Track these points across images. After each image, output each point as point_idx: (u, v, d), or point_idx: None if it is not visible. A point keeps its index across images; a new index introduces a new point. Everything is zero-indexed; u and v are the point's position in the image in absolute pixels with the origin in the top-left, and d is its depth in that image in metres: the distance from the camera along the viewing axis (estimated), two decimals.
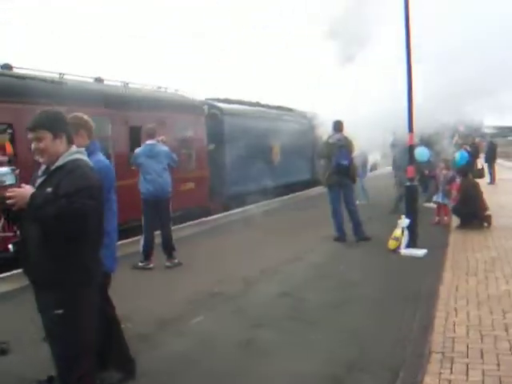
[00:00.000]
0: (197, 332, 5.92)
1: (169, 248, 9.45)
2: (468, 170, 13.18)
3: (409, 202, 10.44)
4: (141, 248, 9.34)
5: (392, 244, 10.11)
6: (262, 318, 6.40)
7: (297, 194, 21.23)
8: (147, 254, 9.29)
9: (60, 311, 3.51)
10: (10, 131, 9.93)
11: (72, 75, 12.59)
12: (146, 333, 5.89)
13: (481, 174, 18.05)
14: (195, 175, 15.69)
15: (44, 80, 11.49)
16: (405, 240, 10.02)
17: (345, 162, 11.03)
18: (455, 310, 6.45)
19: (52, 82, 11.66)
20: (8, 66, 11.25)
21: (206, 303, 7.02)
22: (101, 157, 4.73)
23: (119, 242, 9.93)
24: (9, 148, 9.52)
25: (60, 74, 12.26)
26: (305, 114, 23.67)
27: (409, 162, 10.57)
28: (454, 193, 12.56)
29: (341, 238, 11.15)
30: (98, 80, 13.54)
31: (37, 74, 11.60)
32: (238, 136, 17.13)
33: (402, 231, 10.08)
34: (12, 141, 9.77)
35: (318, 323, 6.21)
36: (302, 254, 9.87)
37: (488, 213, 12.27)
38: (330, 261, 9.48)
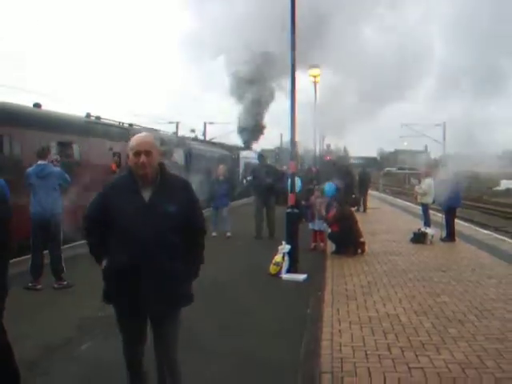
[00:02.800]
0: (88, 358, 5.69)
1: (57, 270, 9.20)
2: (344, 199, 13.70)
3: (289, 228, 10.70)
4: (29, 268, 9.06)
5: (273, 269, 10.28)
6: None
7: None
8: (35, 275, 9.01)
9: None
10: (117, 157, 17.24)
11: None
12: (33, 359, 5.61)
13: (355, 203, 18.85)
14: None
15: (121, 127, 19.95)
16: (285, 265, 10.23)
17: None
18: (340, 331, 6.66)
19: (123, 128, 19.90)
20: (99, 118, 18.29)
21: (95, 327, 6.77)
22: None
23: (17, 259, 9.70)
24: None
25: (119, 122, 20.42)
26: (233, 147, 39.87)
27: (290, 190, 10.87)
28: (330, 220, 12.99)
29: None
30: (131, 124, 21.33)
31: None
32: (198, 160, 27.21)
33: (283, 257, 10.29)
34: (119, 163, 16.89)
35: (211, 351, 6.13)
36: None
37: (362, 240, 12.82)
38: (213, 287, 9.44)
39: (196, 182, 23.68)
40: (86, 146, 15.76)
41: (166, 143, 22.47)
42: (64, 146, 14.72)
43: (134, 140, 4.04)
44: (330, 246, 13.24)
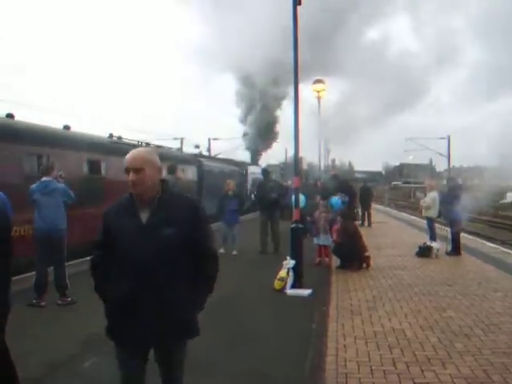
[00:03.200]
0: (90, 375, 5.68)
1: (61, 286, 9.21)
2: (348, 213, 13.69)
3: (293, 243, 10.69)
4: (33, 285, 9.05)
5: (278, 284, 10.24)
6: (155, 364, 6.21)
7: None
8: (39, 291, 9.01)
9: None
10: None
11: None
12: (37, 377, 5.60)
13: (354, 217, 18.82)
14: None
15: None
16: (290, 280, 10.20)
17: None
18: (345, 346, 6.63)
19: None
20: (120, 137, 19.82)
21: (99, 344, 6.72)
22: None
23: (21, 276, 9.74)
24: None
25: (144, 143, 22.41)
26: (241, 162, 41.50)
27: (294, 205, 10.87)
28: (334, 235, 12.97)
29: None
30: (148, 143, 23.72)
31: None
32: (209, 176, 29.58)
33: (288, 272, 10.26)
34: None
35: (213, 368, 6.11)
36: None
37: (367, 254, 12.78)
38: (217, 303, 9.40)
39: (209, 195, 25.55)
40: (111, 164, 17.54)
41: (176, 160, 24.47)
42: (93, 164, 16.56)
43: (126, 156, 3.69)
44: (335, 261, 13.19)
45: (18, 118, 14.04)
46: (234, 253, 15.23)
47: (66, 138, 15.65)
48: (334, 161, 42.57)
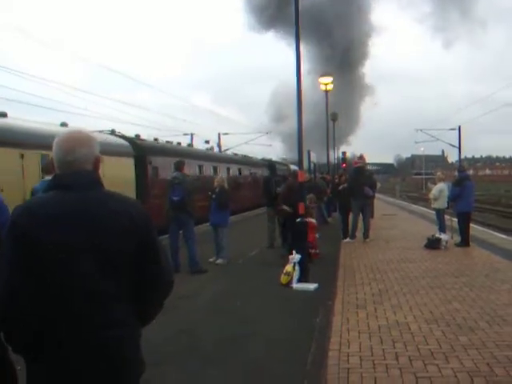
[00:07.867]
0: None
1: None
2: (287, 176, 13.73)
3: (299, 237, 10.64)
4: None
5: (284, 279, 10.21)
6: (160, 355, 6.22)
7: None
8: None
9: None
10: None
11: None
12: None
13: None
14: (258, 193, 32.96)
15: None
16: (296, 275, 10.17)
17: (175, 198, 11.57)
18: (348, 341, 6.59)
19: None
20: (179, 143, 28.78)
21: None
22: None
23: None
24: None
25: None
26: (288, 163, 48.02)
27: (299, 199, 10.82)
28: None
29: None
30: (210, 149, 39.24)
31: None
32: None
33: (294, 266, 10.23)
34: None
35: (217, 360, 6.12)
36: (194, 291, 9.73)
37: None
38: (224, 297, 9.43)
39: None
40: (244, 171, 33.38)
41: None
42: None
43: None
44: (343, 256, 13.12)
45: None
46: (218, 262, 12.90)
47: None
48: (344, 153, 42.42)
